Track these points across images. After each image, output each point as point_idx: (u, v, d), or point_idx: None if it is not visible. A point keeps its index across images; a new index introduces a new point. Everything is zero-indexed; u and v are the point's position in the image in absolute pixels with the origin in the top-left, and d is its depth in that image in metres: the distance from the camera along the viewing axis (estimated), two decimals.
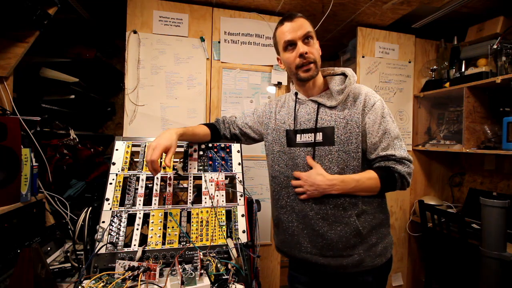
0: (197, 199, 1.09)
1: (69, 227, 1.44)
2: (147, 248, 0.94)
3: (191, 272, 0.86)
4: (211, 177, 1.12)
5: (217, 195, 1.08)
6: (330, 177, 0.97)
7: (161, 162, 1.10)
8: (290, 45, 1.02)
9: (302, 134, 1.07)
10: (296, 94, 1.12)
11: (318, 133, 1.03)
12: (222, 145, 1.21)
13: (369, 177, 0.97)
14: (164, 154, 1.00)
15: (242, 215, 1.07)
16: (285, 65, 1.09)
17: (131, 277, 0.82)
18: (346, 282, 1.04)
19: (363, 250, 1.00)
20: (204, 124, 1.23)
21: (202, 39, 1.86)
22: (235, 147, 1.22)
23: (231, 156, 1.19)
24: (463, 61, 2.12)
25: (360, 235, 0.99)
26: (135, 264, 0.86)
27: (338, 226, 1.00)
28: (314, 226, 1.03)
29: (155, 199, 1.04)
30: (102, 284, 0.80)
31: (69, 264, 1.13)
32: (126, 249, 0.93)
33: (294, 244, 1.08)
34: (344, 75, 1.08)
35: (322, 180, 0.97)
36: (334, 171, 1.00)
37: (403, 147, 1.00)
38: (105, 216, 0.97)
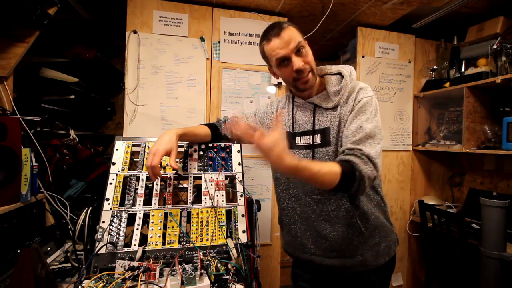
0: (197, 199, 1.09)
1: (69, 227, 1.44)
2: (147, 248, 0.94)
3: (191, 272, 0.86)
4: (211, 177, 1.12)
5: (217, 195, 1.08)
6: (286, 163, 0.77)
7: (161, 163, 1.10)
8: (284, 60, 0.97)
9: (301, 137, 1.06)
10: (293, 97, 1.11)
11: (316, 135, 1.02)
12: (222, 145, 1.21)
13: (329, 170, 0.83)
14: (164, 157, 1.00)
15: (242, 215, 1.07)
16: (281, 78, 1.05)
17: (131, 277, 0.82)
18: (349, 280, 1.05)
19: (366, 249, 1.00)
20: (204, 124, 1.23)
21: (202, 39, 1.86)
22: (235, 147, 1.22)
23: (231, 156, 1.19)
24: (463, 61, 2.11)
25: (362, 235, 0.99)
26: (135, 264, 0.86)
27: (340, 228, 1.00)
28: (316, 228, 1.03)
29: (155, 199, 1.04)
30: (102, 284, 0.80)
31: (69, 264, 1.13)
32: (126, 249, 0.93)
33: (297, 245, 1.09)
34: (341, 74, 1.04)
35: (275, 161, 0.77)
36: None
37: (376, 148, 0.89)
38: (105, 216, 0.97)
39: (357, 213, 0.99)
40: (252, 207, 1.10)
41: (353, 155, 0.86)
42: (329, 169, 0.83)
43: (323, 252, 1.03)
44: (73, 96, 1.80)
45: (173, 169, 1.10)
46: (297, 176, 0.83)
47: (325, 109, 1.02)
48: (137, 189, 1.04)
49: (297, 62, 0.95)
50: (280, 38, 0.95)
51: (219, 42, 1.90)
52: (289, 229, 1.11)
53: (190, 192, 1.08)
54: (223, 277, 0.86)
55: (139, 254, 0.91)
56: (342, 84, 1.00)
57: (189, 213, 1.03)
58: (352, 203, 0.99)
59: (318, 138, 1.02)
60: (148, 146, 1.13)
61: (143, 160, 1.10)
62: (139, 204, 1.02)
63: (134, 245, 0.94)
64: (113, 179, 1.04)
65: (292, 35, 0.95)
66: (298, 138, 1.07)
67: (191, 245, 0.96)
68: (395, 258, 1.09)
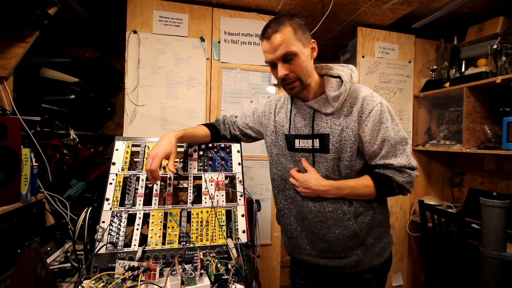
0: (197, 199, 1.09)
1: (69, 227, 1.44)
2: (147, 248, 0.94)
3: (191, 272, 0.86)
4: (211, 177, 1.12)
5: (217, 195, 1.08)
6: (324, 183, 0.97)
7: (161, 163, 1.10)
8: (272, 64, 0.96)
9: (300, 140, 1.04)
10: (292, 97, 1.08)
11: (315, 140, 1.01)
12: (222, 145, 1.21)
13: (365, 184, 0.96)
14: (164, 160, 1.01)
15: (242, 215, 1.07)
16: None
17: (131, 277, 0.82)
18: (345, 279, 1.06)
19: (361, 251, 1.01)
20: (204, 125, 1.23)
21: (202, 39, 1.86)
22: (235, 147, 1.22)
23: (231, 156, 1.19)
24: (463, 61, 2.12)
25: (357, 237, 1.00)
26: (135, 264, 0.86)
27: (336, 229, 1.00)
28: (313, 229, 1.03)
29: (155, 199, 1.04)
30: (102, 284, 0.80)
31: (69, 264, 1.13)
32: (126, 249, 0.93)
33: (294, 245, 1.10)
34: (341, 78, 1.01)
35: (316, 185, 0.97)
36: (331, 178, 0.99)
37: (406, 153, 0.96)
38: (105, 216, 0.97)
39: (354, 216, 0.99)
40: (252, 207, 1.11)
41: (386, 168, 0.97)
42: (365, 183, 0.97)
43: (318, 252, 1.04)
44: (73, 96, 1.80)
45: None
46: (336, 194, 0.97)
47: (325, 114, 0.99)
48: (137, 189, 1.04)
49: (281, 70, 0.93)
50: (269, 42, 0.91)
51: (219, 42, 1.90)
52: (286, 230, 1.12)
53: (190, 192, 1.07)
54: (223, 277, 0.86)
55: (139, 254, 0.91)
56: (341, 90, 0.96)
57: (189, 213, 1.03)
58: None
59: (317, 143, 1.00)
60: (148, 146, 1.13)
61: (143, 160, 1.10)
62: (139, 204, 1.02)
63: (134, 245, 0.94)
64: (113, 179, 1.04)
65: (283, 40, 0.89)
66: (297, 141, 1.05)
67: (191, 245, 0.96)
68: (391, 258, 1.09)
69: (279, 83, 1.03)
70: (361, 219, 1.00)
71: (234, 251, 0.96)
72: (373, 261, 1.02)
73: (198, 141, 1.18)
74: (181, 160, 1.16)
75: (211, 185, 1.10)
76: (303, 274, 1.17)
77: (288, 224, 1.10)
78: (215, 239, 1.00)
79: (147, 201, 1.05)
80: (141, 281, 0.81)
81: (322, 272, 1.08)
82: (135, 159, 1.13)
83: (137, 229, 0.97)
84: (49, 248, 1.26)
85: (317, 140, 1.00)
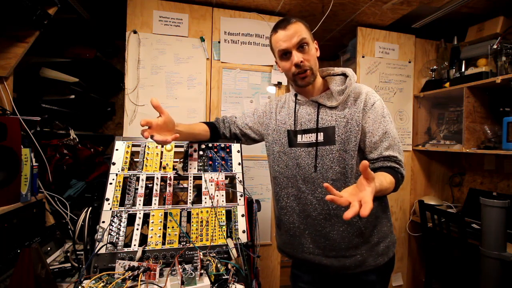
0: (197, 199, 1.09)
1: (69, 227, 1.44)
2: (147, 248, 0.94)
3: (191, 272, 0.86)
4: (211, 177, 1.12)
5: (217, 195, 1.08)
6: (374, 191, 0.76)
7: (161, 163, 1.10)
8: (285, 53, 1.01)
9: (303, 135, 1.06)
10: (296, 95, 1.13)
11: (319, 133, 1.03)
12: (222, 145, 1.21)
13: (390, 181, 0.92)
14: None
15: (242, 215, 1.07)
16: (283, 71, 1.08)
17: (131, 277, 0.82)
18: (349, 281, 1.05)
19: (365, 250, 1.00)
20: (203, 123, 1.23)
21: (202, 39, 1.86)
22: (235, 147, 1.22)
23: (231, 156, 1.19)
24: (463, 61, 2.12)
25: (362, 235, 1.00)
26: (135, 264, 0.86)
27: (340, 227, 1.00)
28: (316, 227, 1.03)
29: (155, 199, 1.04)
30: (102, 284, 0.80)
31: (69, 264, 1.14)
32: (126, 249, 0.93)
33: (296, 244, 1.08)
34: (345, 75, 1.07)
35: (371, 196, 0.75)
36: (336, 170, 1.00)
37: (401, 150, 1.01)
38: (105, 216, 0.97)
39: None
40: (252, 207, 1.10)
41: (391, 161, 0.98)
42: (390, 180, 0.92)
43: (322, 251, 1.03)
44: (73, 96, 1.80)
45: (173, 169, 1.10)
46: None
47: (329, 108, 1.03)
48: (137, 189, 1.04)
49: (297, 57, 0.99)
50: (285, 30, 0.99)
51: (219, 42, 1.90)
52: (288, 228, 1.10)
53: (190, 192, 1.08)
54: (223, 277, 0.86)
55: (139, 254, 0.91)
56: (346, 83, 1.03)
57: (189, 213, 1.03)
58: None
59: (321, 136, 1.02)
60: (148, 146, 1.14)
61: (143, 160, 1.10)
62: (139, 204, 1.02)
63: (134, 245, 0.94)
64: (113, 179, 1.04)
65: (298, 30, 0.98)
66: (299, 136, 1.07)
67: (191, 245, 0.96)
68: (394, 258, 1.09)
69: (291, 73, 1.03)
70: (366, 218, 0.99)
71: (234, 251, 0.96)
72: (377, 261, 1.01)
73: (195, 136, 1.16)
74: (181, 160, 1.16)
75: (211, 185, 1.10)
76: (306, 278, 1.14)
77: (290, 222, 1.09)
78: (215, 239, 1.00)
79: (147, 201, 1.05)
80: (141, 281, 0.81)
81: (325, 273, 1.07)
82: (135, 159, 1.13)
83: (137, 229, 0.97)
84: (49, 248, 1.26)
85: (321, 133, 1.03)
